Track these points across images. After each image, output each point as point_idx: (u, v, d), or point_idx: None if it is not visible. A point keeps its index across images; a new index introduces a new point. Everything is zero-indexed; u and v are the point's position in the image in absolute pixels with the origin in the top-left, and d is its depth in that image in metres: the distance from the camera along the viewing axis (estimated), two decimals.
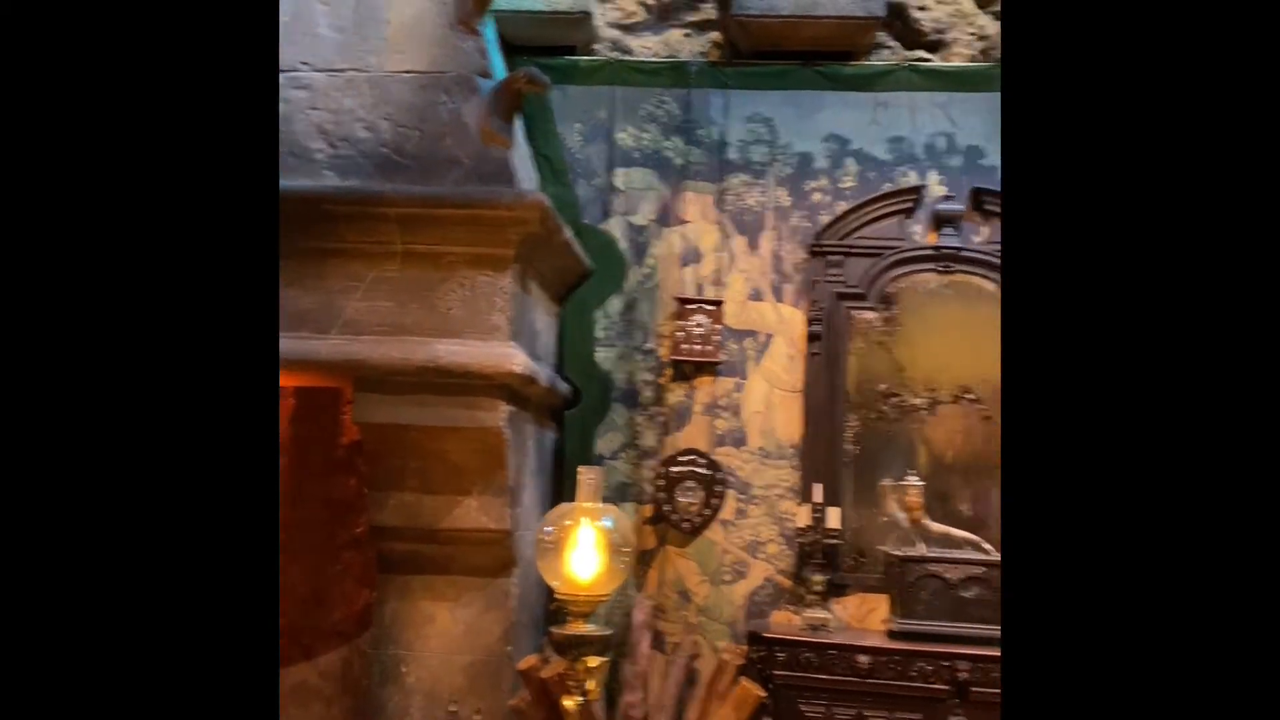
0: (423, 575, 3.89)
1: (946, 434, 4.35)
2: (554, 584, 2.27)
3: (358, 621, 4.33)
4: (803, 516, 4.14)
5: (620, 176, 4.51)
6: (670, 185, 4.51)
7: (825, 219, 4.40)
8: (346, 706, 4.30)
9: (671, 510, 4.34)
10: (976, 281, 4.33)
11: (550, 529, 2.27)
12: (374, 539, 3.97)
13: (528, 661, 3.66)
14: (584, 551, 2.24)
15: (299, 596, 4.43)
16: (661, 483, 4.34)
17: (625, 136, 4.54)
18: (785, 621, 4.17)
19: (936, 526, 4.15)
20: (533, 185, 4.10)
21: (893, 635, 3.90)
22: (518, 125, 3.98)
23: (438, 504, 3.80)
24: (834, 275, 4.36)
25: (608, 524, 2.28)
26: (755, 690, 3.78)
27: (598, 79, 4.55)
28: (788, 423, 4.39)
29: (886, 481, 4.31)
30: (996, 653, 3.72)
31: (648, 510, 4.40)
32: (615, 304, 4.46)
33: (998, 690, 3.66)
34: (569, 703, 2.21)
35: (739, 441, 4.41)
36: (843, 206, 4.41)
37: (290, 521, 4.47)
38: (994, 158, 4.40)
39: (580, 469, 2.34)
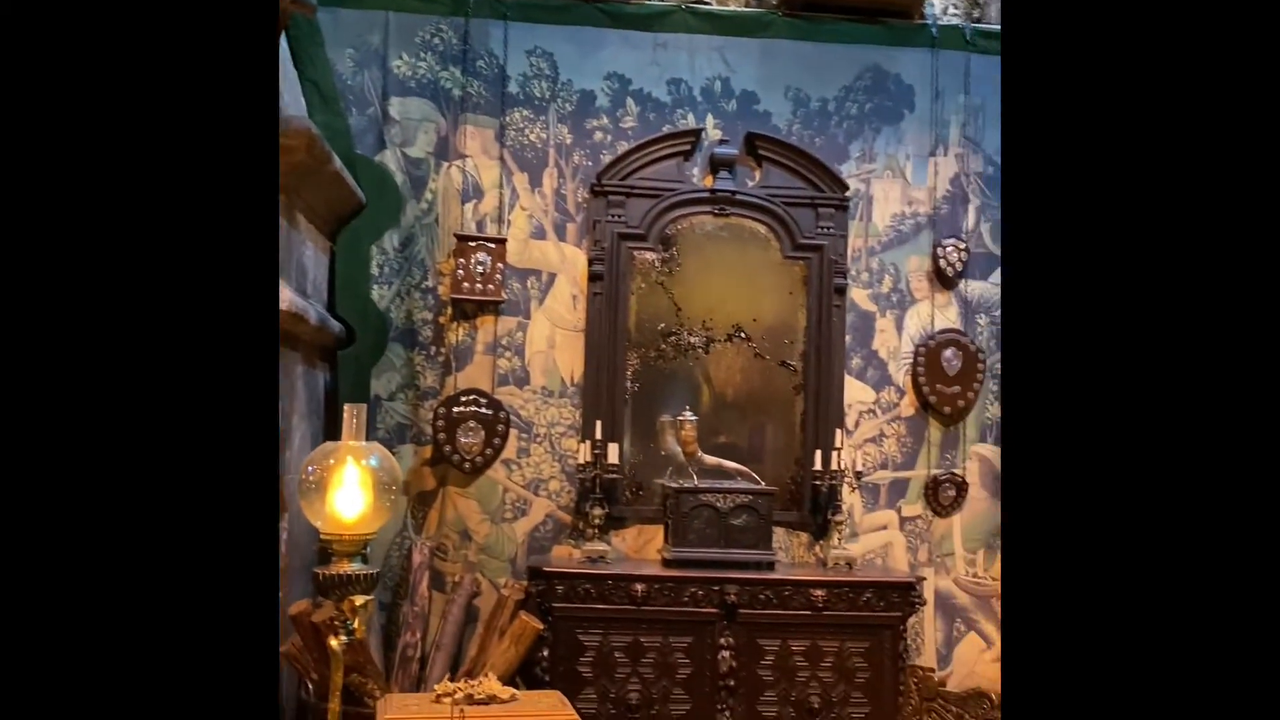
0: None
1: (723, 371, 4.52)
2: (317, 523, 2.20)
3: None
4: (584, 453, 4.21)
5: (395, 106, 4.35)
6: (449, 117, 4.40)
7: (608, 158, 4.42)
8: None
9: (452, 451, 4.30)
10: (750, 225, 4.49)
11: (313, 468, 2.19)
12: None
13: (298, 606, 3.55)
14: (349, 490, 2.19)
15: None
16: (442, 423, 4.28)
17: (401, 65, 4.37)
18: (565, 556, 4.25)
19: (709, 459, 4.33)
20: (300, 112, 3.89)
21: (667, 563, 4.05)
22: (282, 46, 3.75)
23: None
24: (615, 215, 4.40)
25: (373, 463, 2.23)
26: (534, 623, 3.84)
27: (371, 2, 4.35)
28: (570, 362, 4.43)
29: (664, 417, 4.44)
30: (762, 576, 3.95)
31: (428, 451, 4.34)
32: (392, 240, 4.33)
33: (763, 611, 3.89)
34: (334, 643, 2.17)
35: (521, 381, 4.41)
36: (624, 146, 4.44)
37: None
38: (767, 104, 4.55)
39: (346, 406, 2.27)
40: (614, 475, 4.22)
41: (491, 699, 2.10)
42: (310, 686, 3.69)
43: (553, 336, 4.44)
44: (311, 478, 2.19)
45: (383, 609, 4.22)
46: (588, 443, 4.20)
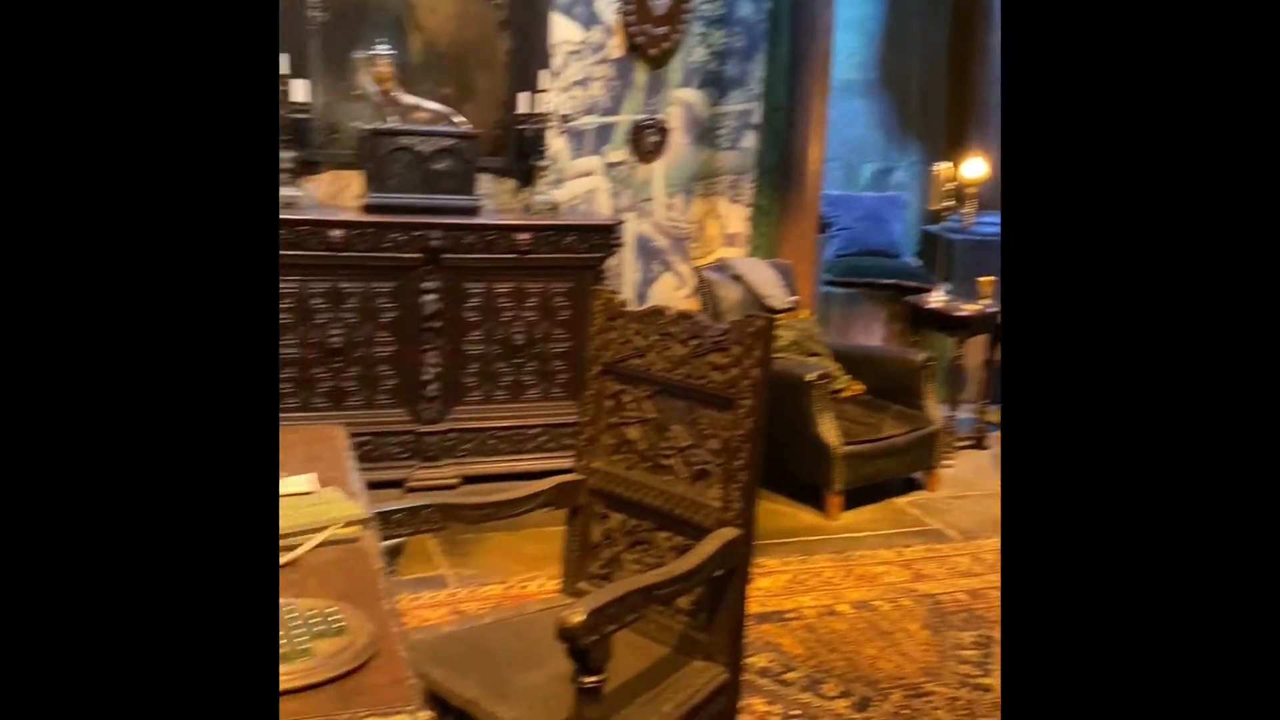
0: None
1: (425, 5, 4.18)
2: None
3: None
4: None
5: None
6: None
7: None
8: None
9: None
10: None
11: None
12: None
13: None
14: None
15: None
16: None
17: None
18: None
19: (408, 99, 4.08)
20: None
21: (367, 209, 3.90)
22: None
23: None
24: None
25: None
26: None
27: None
28: None
29: (358, 53, 4.10)
30: (467, 221, 3.90)
31: None
32: None
33: (468, 255, 3.89)
34: None
35: None
36: None
37: None
38: None
39: None
40: (302, 115, 3.91)
41: None
42: None
43: None
44: None
45: None
46: None
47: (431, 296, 3.87)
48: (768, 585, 3.24)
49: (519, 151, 4.30)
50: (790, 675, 2.71)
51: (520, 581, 3.21)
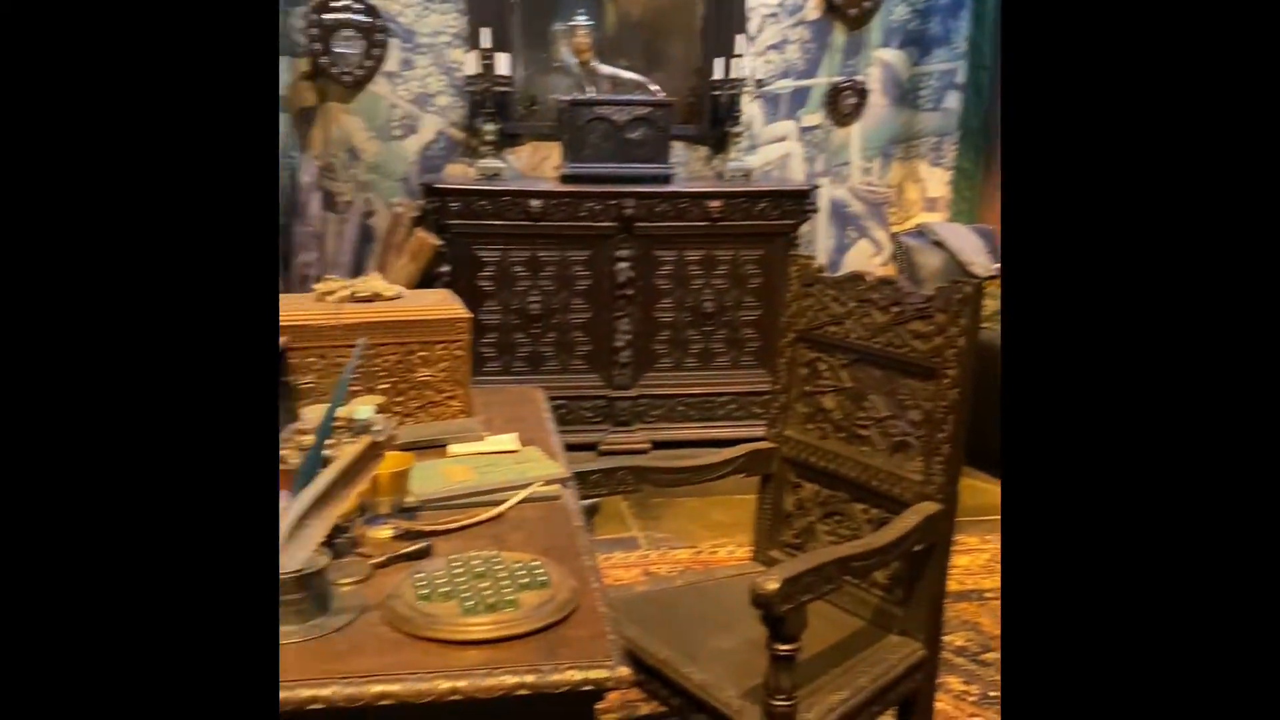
0: None
1: None
2: None
3: None
4: (471, 64, 3.98)
5: None
6: None
7: None
8: None
9: (330, 63, 4.02)
10: None
11: None
12: None
13: None
14: None
15: None
16: (316, 31, 3.96)
17: None
18: (460, 173, 4.14)
19: (605, 69, 4.14)
20: None
21: (564, 179, 3.99)
22: None
23: None
24: None
25: None
26: (431, 240, 3.82)
27: None
28: None
29: (557, 25, 4.18)
30: (659, 190, 3.93)
31: (304, 63, 4.05)
32: None
33: (660, 224, 3.92)
34: None
35: None
36: None
37: None
38: None
39: None
40: (505, 88, 4.03)
41: (375, 296, 2.08)
42: None
43: None
44: None
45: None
46: (475, 53, 3.96)
47: (624, 264, 3.92)
48: (965, 563, 3.13)
49: (713, 118, 4.28)
50: (988, 655, 2.61)
51: (710, 547, 3.23)
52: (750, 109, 4.33)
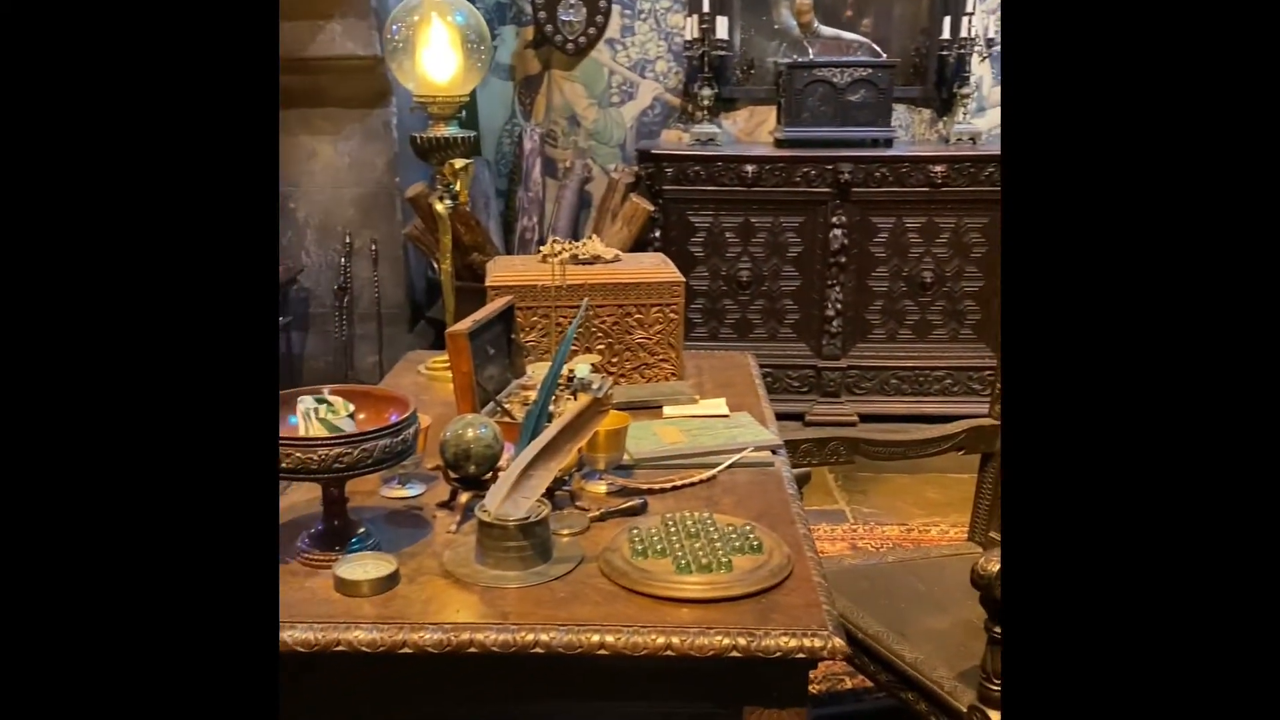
0: (297, 109, 3.73)
1: None
2: (409, 86, 2.15)
3: None
4: (691, 28, 3.98)
5: None
6: None
7: None
8: None
9: (554, 30, 4.12)
10: None
11: (397, 27, 2.11)
12: None
13: (415, 189, 3.64)
14: (437, 50, 2.11)
15: None
16: (541, 0, 4.07)
17: None
18: (675, 139, 4.17)
19: (827, 30, 4.04)
20: None
21: (779, 144, 3.93)
22: None
23: (298, 30, 3.54)
24: None
25: (459, 19, 2.12)
26: (645, 205, 3.86)
27: None
28: None
29: None
30: (879, 153, 3.81)
31: (530, 32, 4.18)
32: None
33: (876, 189, 3.80)
34: (439, 207, 2.20)
35: None
36: None
37: None
38: None
39: None
40: (723, 52, 4.00)
41: (596, 259, 2.13)
42: (435, 265, 3.87)
43: None
44: (398, 37, 2.11)
45: (500, 196, 4.30)
46: (695, 17, 3.95)
47: (839, 231, 3.83)
48: None
49: (939, 79, 4.09)
50: None
51: (922, 525, 3.13)
52: (979, 70, 4.11)
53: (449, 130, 2.14)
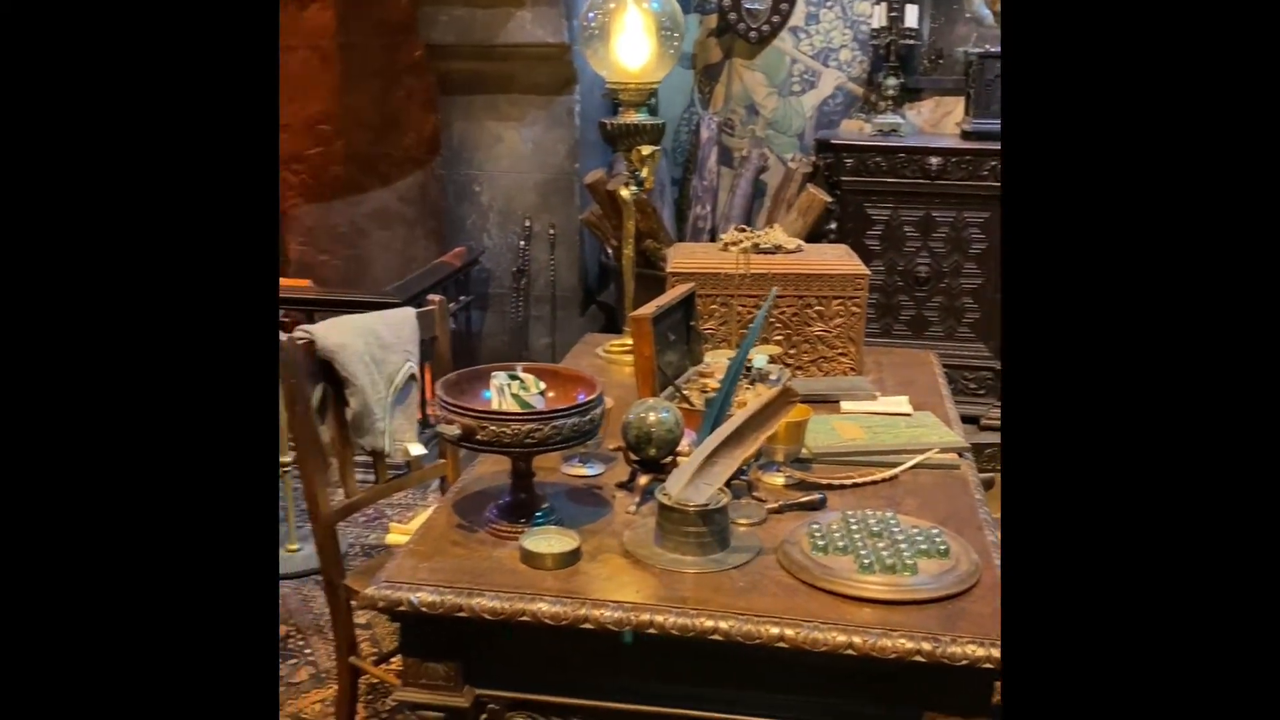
0: (485, 95, 3.85)
1: None
2: (602, 73, 2.18)
3: (428, 146, 4.40)
4: (879, 16, 3.88)
5: None
6: None
7: None
8: (429, 228, 4.51)
9: (738, 19, 4.10)
10: None
11: (594, 14, 2.14)
12: (432, 60, 3.90)
13: (594, 175, 3.70)
14: (631, 36, 2.13)
15: (369, 124, 4.48)
16: None
17: None
18: (856, 129, 4.07)
19: None
20: None
21: (966, 136, 3.79)
22: None
23: (490, 17, 3.65)
24: None
25: (655, 6, 2.13)
26: (821, 196, 3.80)
27: None
28: None
29: None
30: None
31: (713, 20, 4.17)
32: None
33: None
34: (624, 192, 2.23)
35: None
36: None
37: (346, 47, 4.40)
38: None
39: None
40: (911, 41, 3.89)
41: (778, 248, 2.11)
42: (610, 251, 3.93)
43: None
44: (593, 24, 2.15)
45: (674, 184, 4.33)
46: (883, 5, 3.85)
47: None
48: None
49: None
50: None
51: None
52: None
53: (638, 117, 2.16)
